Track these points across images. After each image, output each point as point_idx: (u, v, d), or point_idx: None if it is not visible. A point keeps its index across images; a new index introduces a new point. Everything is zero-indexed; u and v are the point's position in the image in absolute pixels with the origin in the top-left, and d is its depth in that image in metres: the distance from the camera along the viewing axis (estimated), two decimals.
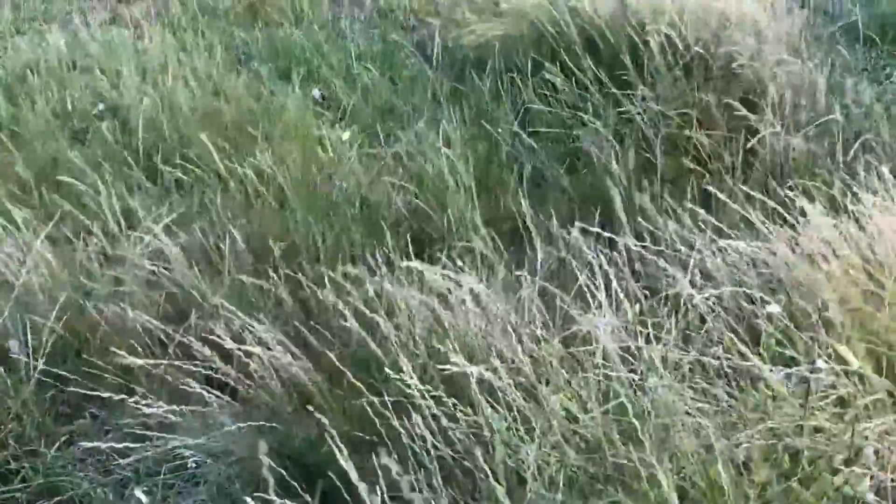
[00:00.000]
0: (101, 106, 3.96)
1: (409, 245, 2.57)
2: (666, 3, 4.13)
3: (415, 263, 2.18)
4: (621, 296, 1.98)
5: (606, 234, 2.28)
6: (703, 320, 2.03)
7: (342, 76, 4.29)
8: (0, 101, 3.92)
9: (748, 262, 2.18)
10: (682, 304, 2.06)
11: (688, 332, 2.07)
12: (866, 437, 1.69)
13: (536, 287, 2.20)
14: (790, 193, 2.30)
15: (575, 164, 3.48)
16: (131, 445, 2.24)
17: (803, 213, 2.21)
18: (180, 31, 4.68)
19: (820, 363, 1.70)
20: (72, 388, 2.43)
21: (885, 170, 2.37)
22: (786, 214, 2.29)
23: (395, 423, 1.82)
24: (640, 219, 2.45)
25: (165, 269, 2.64)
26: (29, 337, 2.41)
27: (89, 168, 3.25)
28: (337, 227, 3.00)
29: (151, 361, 2.27)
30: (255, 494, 1.56)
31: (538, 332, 2.04)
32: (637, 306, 2.02)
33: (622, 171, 3.08)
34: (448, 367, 1.84)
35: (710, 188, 2.60)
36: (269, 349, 2.20)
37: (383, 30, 4.89)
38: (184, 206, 3.17)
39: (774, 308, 1.97)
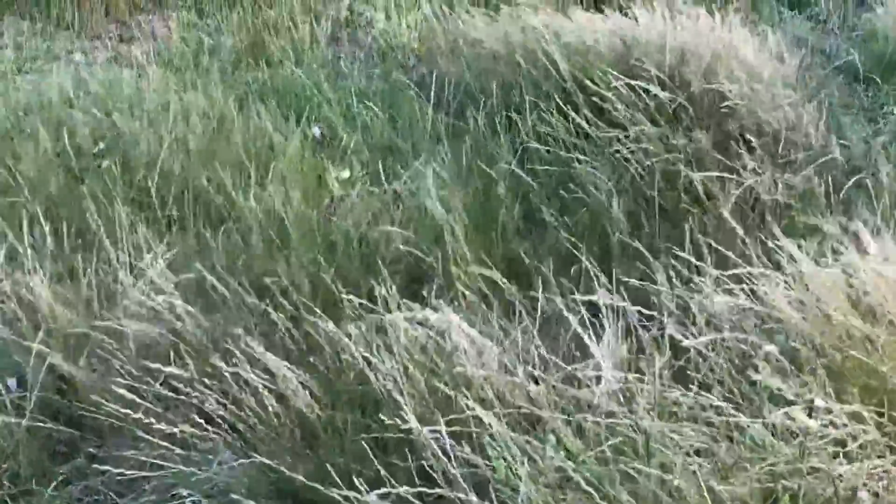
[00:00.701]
0: (101, 144, 4.00)
1: (407, 283, 2.59)
2: (662, 40, 4.20)
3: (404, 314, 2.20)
4: (618, 337, 2.00)
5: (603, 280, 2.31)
6: (699, 362, 2.05)
7: (342, 115, 4.34)
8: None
9: (743, 306, 2.20)
10: (678, 345, 2.08)
11: (687, 372, 2.08)
12: (865, 483, 1.70)
13: (535, 327, 2.22)
14: (785, 240, 2.32)
15: (573, 202, 3.51)
16: (129, 484, 2.25)
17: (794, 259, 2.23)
18: (181, 70, 4.74)
19: (818, 402, 1.71)
20: (67, 427, 2.44)
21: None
22: (781, 257, 2.32)
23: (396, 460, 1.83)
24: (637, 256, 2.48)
25: (165, 305, 2.66)
26: (27, 374, 2.42)
27: (89, 206, 3.28)
28: (336, 265, 3.02)
29: (147, 402, 2.29)
30: None
31: (535, 372, 2.06)
32: (633, 347, 2.04)
33: (619, 210, 3.11)
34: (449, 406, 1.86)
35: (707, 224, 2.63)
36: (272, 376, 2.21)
37: (383, 68, 4.94)
38: (184, 242, 3.20)
39: (772, 347, 1.99)
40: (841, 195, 3.01)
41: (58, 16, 5.49)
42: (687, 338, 2.02)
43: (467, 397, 1.99)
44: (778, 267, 2.27)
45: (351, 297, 2.45)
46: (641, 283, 2.32)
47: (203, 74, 4.60)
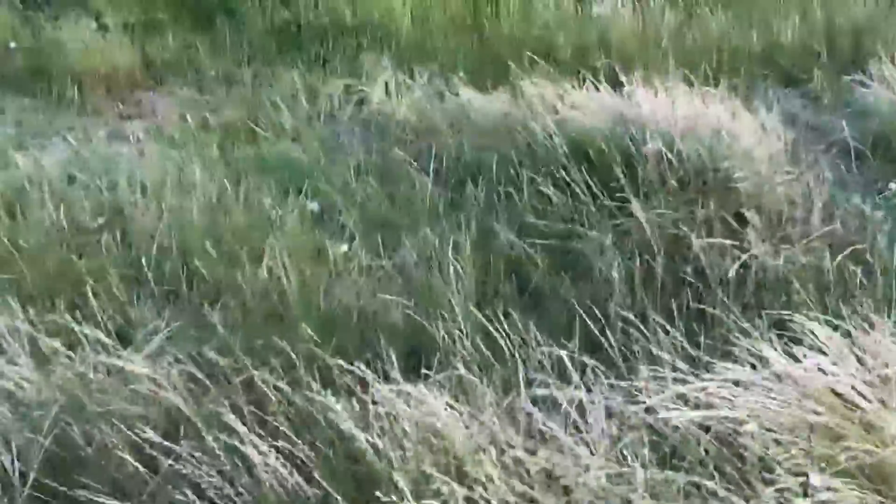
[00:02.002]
0: (100, 219, 4.06)
1: (406, 356, 2.62)
2: (658, 115, 4.30)
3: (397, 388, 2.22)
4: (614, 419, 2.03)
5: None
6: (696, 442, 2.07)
7: (341, 189, 4.41)
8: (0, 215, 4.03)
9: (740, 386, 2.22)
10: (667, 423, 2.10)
11: (682, 454, 2.10)
12: None
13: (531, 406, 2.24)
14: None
15: (573, 276, 3.55)
16: None
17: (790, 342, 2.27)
18: (181, 145, 4.83)
19: (814, 479, 1.73)
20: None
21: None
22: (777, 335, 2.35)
23: None
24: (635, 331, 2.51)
25: (161, 382, 2.68)
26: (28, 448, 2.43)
27: (88, 281, 3.32)
28: (334, 339, 3.05)
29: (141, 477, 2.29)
30: None
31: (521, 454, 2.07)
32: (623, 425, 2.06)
33: (619, 284, 3.15)
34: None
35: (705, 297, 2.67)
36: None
37: (381, 144, 5.04)
38: (182, 318, 3.23)
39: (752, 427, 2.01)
40: (837, 271, 3.05)
41: (59, 93, 5.61)
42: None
43: (461, 475, 2.01)
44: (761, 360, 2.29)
45: (349, 371, 2.47)
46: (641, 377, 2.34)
47: (202, 150, 4.69)
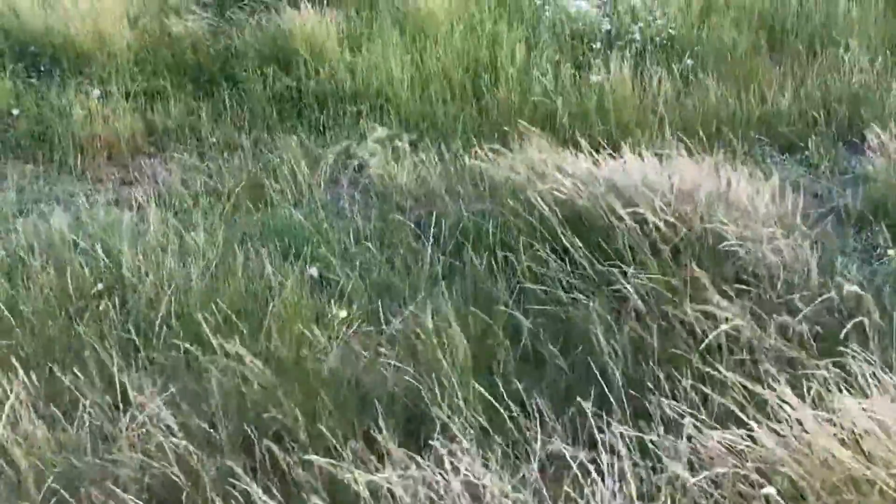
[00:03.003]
0: (100, 285, 4.11)
1: (405, 423, 2.64)
2: (656, 181, 4.37)
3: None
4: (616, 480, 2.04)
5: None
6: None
7: (340, 255, 4.47)
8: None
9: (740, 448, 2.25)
10: (678, 486, 2.11)
11: None
12: None
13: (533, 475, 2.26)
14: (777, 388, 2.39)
15: (570, 342, 3.58)
16: None
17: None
18: (182, 212, 4.90)
19: None
20: None
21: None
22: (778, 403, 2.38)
23: None
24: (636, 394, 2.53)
25: (158, 448, 2.70)
26: None
27: (86, 346, 3.35)
28: (332, 408, 3.07)
29: None
30: None
31: None
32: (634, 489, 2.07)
33: (617, 349, 3.18)
34: None
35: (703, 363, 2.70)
36: None
37: (381, 209, 5.10)
38: (179, 384, 3.25)
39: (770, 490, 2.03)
40: (838, 337, 3.08)
41: (60, 160, 5.71)
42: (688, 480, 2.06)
43: None
44: (769, 415, 2.33)
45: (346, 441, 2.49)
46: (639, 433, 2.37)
47: (203, 216, 4.75)
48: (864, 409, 2.29)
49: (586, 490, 2.24)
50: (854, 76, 6.30)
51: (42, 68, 6.66)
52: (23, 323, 3.76)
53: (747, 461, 2.29)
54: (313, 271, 4.34)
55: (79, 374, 3.23)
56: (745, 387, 2.62)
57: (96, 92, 6.29)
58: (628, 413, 2.78)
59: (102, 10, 7.05)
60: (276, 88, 6.48)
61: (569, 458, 2.28)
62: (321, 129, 6.12)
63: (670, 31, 7.03)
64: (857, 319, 3.22)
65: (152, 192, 4.97)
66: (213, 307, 3.71)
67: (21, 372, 3.16)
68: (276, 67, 6.67)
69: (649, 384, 2.89)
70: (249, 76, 6.55)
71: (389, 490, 2.33)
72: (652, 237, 3.99)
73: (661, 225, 3.99)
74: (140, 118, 6.10)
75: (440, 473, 2.30)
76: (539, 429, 2.63)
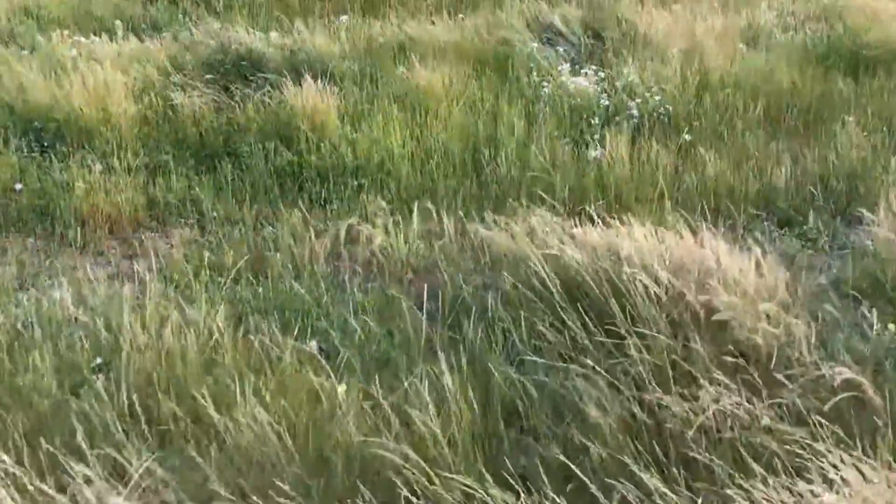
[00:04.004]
0: (98, 359, 4.14)
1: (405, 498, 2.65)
2: (654, 255, 4.43)
3: None
4: None
5: None
6: None
7: (340, 328, 4.51)
8: None
9: None
10: None
11: None
12: None
13: None
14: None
15: (567, 415, 3.61)
16: None
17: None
18: (182, 285, 4.95)
19: None
20: None
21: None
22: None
23: None
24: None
25: None
26: None
27: (84, 421, 3.37)
28: (331, 484, 3.08)
29: None
30: None
31: None
32: None
33: (615, 423, 3.21)
34: None
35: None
36: None
37: (381, 282, 5.15)
38: (177, 459, 3.27)
39: None
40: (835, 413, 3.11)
41: (62, 233, 5.78)
42: None
43: None
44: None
45: None
46: None
47: (203, 290, 4.81)
48: None
49: None
50: (851, 152, 6.41)
51: (46, 143, 6.78)
52: (20, 397, 3.79)
53: None
54: (313, 344, 4.37)
55: (75, 447, 3.24)
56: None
57: (99, 166, 6.39)
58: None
59: (108, 86, 7.20)
60: (278, 163, 6.59)
61: None
62: (322, 202, 6.20)
63: (667, 106, 7.17)
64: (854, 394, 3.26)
65: (153, 265, 5.02)
66: (212, 381, 3.73)
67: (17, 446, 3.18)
68: (278, 142, 6.79)
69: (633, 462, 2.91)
70: (252, 151, 6.66)
71: None
72: (650, 311, 4.03)
73: (659, 299, 4.04)
74: (142, 192, 6.19)
75: None
76: None
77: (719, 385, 3.34)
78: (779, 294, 4.23)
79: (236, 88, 7.49)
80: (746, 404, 3.24)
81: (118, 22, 8.99)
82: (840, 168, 6.24)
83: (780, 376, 3.50)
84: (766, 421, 3.19)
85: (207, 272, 5.12)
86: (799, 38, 9.08)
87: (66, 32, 8.58)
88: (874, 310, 4.37)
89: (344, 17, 9.43)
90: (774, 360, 3.58)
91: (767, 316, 3.90)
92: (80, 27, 9.13)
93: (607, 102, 7.29)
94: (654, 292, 4.00)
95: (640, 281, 4.13)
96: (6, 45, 8.32)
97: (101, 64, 7.60)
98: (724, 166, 6.25)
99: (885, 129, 6.87)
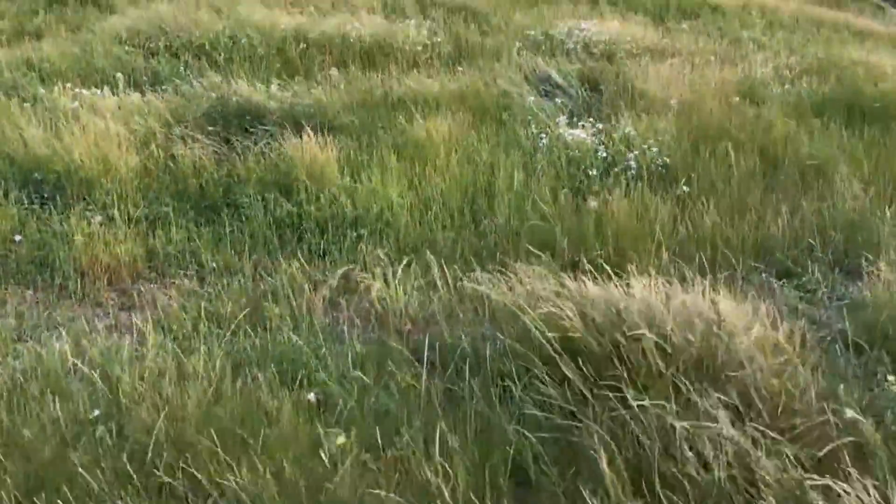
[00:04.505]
0: (96, 411, 4.14)
1: None
2: (653, 306, 4.44)
3: None
4: None
5: None
6: None
7: (338, 380, 4.50)
8: None
9: None
10: None
11: None
12: None
13: None
14: None
15: (573, 469, 3.60)
16: None
17: None
18: (181, 337, 4.95)
19: None
20: None
21: None
22: None
23: None
24: None
25: None
26: None
27: (82, 475, 3.37)
28: None
29: None
30: None
31: None
32: None
33: (618, 477, 3.20)
34: None
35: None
36: None
37: (380, 333, 5.16)
38: None
39: None
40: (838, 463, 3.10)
41: (61, 285, 5.79)
42: None
43: None
44: None
45: None
46: None
47: (202, 341, 4.81)
48: None
49: None
50: (848, 203, 6.46)
51: (46, 194, 6.82)
52: (18, 449, 3.78)
53: None
54: (311, 396, 4.37)
55: (73, 501, 3.23)
56: None
57: (98, 217, 6.42)
58: None
59: (108, 137, 7.26)
60: (278, 214, 6.63)
61: None
62: (321, 253, 6.23)
63: (665, 158, 7.24)
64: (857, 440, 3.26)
65: (152, 316, 5.03)
66: (210, 433, 3.73)
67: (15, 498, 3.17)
68: (278, 193, 6.84)
69: None
70: (251, 202, 6.71)
71: None
72: (651, 362, 4.04)
73: (660, 350, 4.05)
74: (141, 243, 6.22)
75: None
76: None
77: (722, 438, 3.33)
78: (780, 345, 4.24)
79: (237, 140, 7.57)
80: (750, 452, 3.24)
81: (119, 74, 9.10)
82: (838, 219, 6.28)
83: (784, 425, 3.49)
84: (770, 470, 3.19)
85: (206, 323, 5.13)
86: (795, 91, 9.20)
87: (67, 85, 8.68)
88: (875, 361, 4.40)
89: (344, 70, 9.53)
90: (779, 410, 3.58)
91: (769, 367, 3.91)
92: (82, 79, 9.24)
93: (605, 154, 7.36)
94: (656, 343, 4.01)
95: (641, 332, 4.14)
96: (8, 97, 8.40)
97: (102, 116, 7.69)
98: (722, 217, 6.29)
99: (881, 180, 6.93)
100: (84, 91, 8.52)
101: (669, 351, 4.05)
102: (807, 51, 11.05)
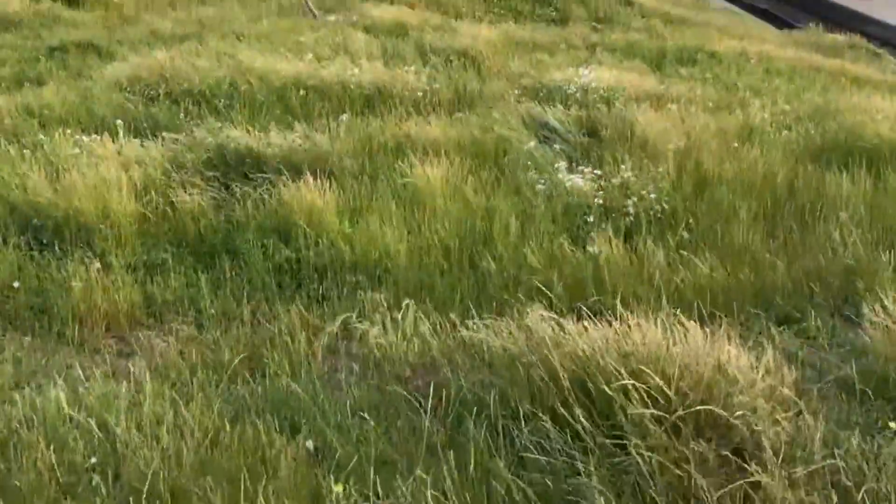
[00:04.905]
0: (93, 459, 4.12)
1: None
2: (654, 352, 4.45)
3: None
4: None
5: None
6: None
7: (337, 427, 4.49)
8: None
9: None
10: None
11: None
12: None
13: None
14: None
15: None
16: None
17: None
18: (179, 384, 4.94)
19: None
20: None
21: None
22: None
23: None
24: None
25: None
26: None
27: None
28: None
29: None
30: None
31: None
32: None
33: None
34: None
35: None
36: None
37: (379, 379, 5.15)
38: None
39: None
40: None
41: (59, 332, 5.80)
42: None
43: None
44: None
45: None
46: None
47: (200, 388, 4.80)
48: None
49: None
50: (847, 249, 6.48)
51: (45, 240, 6.85)
52: (14, 497, 3.76)
53: None
54: (309, 444, 4.36)
55: None
56: None
57: (97, 264, 6.44)
58: None
59: (108, 184, 7.31)
60: (277, 259, 6.66)
61: None
62: (320, 299, 6.24)
63: (663, 204, 7.27)
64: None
65: (149, 363, 5.03)
66: (209, 481, 3.71)
67: None
68: (277, 239, 6.87)
69: None
70: (250, 247, 6.73)
71: None
72: (652, 409, 4.03)
73: (661, 397, 4.04)
74: (140, 290, 6.23)
75: None
76: None
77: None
78: (782, 392, 4.24)
79: (236, 186, 7.62)
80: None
81: (120, 121, 9.16)
82: (837, 265, 6.30)
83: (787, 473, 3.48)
84: None
85: (204, 370, 5.12)
86: (793, 137, 9.27)
87: (68, 131, 8.74)
88: (877, 408, 4.40)
89: (343, 117, 9.61)
90: (781, 457, 3.57)
91: (771, 414, 3.91)
92: (83, 126, 9.31)
93: (603, 200, 7.40)
94: (658, 388, 4.00)
95: (642, 379, 4.14)
96: (9, 144, 8.46)
97: (101, 162, 7.74)
98: (721, 263, 6.31)
99: (880, 225, 6.96)
100: (84, 137, 8.58)
101: (672, 396, 4.05)
102: (804, 96, 11.15)
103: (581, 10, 18.33)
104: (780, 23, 22.87)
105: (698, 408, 4.03)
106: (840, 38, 17.77)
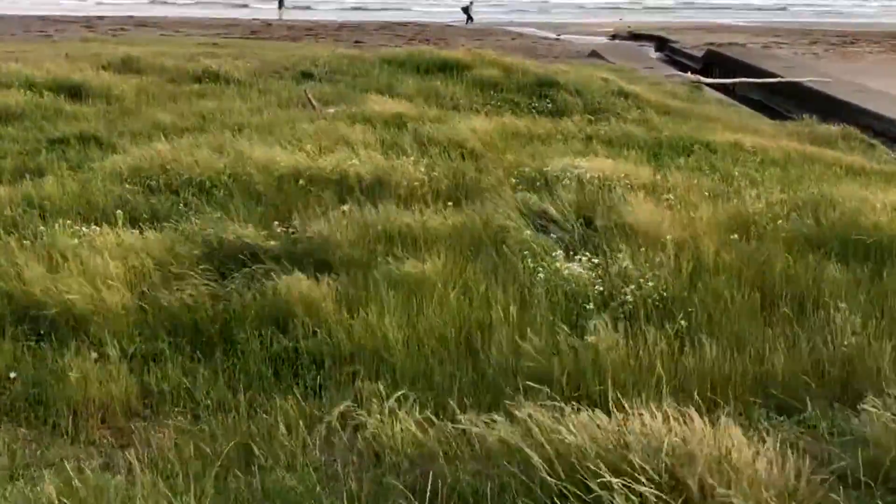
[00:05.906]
0: None
1: None
2: (655, 442, 4.44)
3: None
4: None
5: None
6: None
7: None
8: None
9: None
10: None
11: None
12: None
13: None
14: None
15: None
16: None
17: None
18: (173, 476, 4.91)
19: None
20: None
21: None
22: None
23: None
24: None
25: None
26: None
27: None
28: None
29: None
30: None
31: None
32: None
33: None
34: None
35: None
36: None
37: (376, 471, 5.12)
38: None
39: None
40: None
41: (54, 423, 5.78)
42: None
43: None
44: None
45: None
46: None
47: (195, 481, 4.78)
48: None
49: None
50: (846, 338, 6.50)
51: (42, 331, 6.87)
52: None
53: None
54: None
55: None
56: None
57: (93, 354, 6.45)
58: None
59: (105, 275, 7.36)
60: (274, 349, 6.67)
61: None
62: (317, 388, 6.23)
63: (662, 293, 7.31)
64: None
65: (144, 456, 5.00)
66: None
67: None
68: (274, 329, 6.89)
69: None
70: (247, 337, 6.75)
71: None
72: (653, 500, 4.01)
73: (661, 492, 4.03)
74: (136, 380, 6.23)
75: None
76: None
77: None
78: (784, 484, 4.23)
79: (234, 276, 7.67)
80: None
81: (120, 212, 9.26)
82: (835, 354, 6.32)
83: None
84: None
85: (199, 462, 5.09)
86: (789, 226, 9.35)
87: (68, 222, 8.82)
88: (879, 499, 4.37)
89: (343, 207, 9.71)
90: None
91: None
92: (83, 217, 9.40)
93: (601, 288, 7.44)
94: (658, 481, 3.99)
95: (642, 471, 4.13)
96: (8, 235, 8.54)
97: (100, 253, 7.80)
98: (720, 352, 6.33)
99: (878, 314, 7.00)
100: (84, 228, 8.66)
101: (669, 491, 4.03)
102: (799, 186, 11.29)
103: (577, 102, 18.66)
104: (773, 114, 23.29)
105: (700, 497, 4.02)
106: (833, 129, 18.04)
